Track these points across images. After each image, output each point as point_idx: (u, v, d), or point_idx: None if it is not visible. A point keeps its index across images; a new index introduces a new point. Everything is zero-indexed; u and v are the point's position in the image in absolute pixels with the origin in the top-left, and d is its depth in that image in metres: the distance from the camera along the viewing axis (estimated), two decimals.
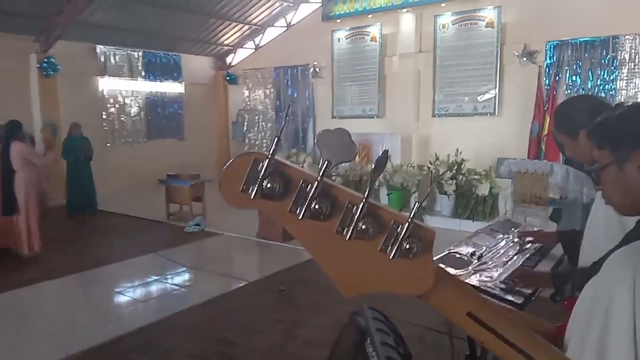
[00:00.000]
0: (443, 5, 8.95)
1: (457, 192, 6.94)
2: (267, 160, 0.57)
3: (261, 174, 0.57)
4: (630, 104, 1.14)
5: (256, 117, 12.07)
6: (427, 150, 9.10)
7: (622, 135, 1.07)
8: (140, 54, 10.77)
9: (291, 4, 11.00)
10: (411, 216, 0.56)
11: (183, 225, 7.35)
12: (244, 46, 12.19)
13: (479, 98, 8.76)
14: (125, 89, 10.66)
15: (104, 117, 10.35)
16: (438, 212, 7.32)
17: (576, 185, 4.78)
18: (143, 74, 10.84)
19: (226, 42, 12.01)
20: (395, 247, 0.56)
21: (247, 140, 12.23)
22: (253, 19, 11.28)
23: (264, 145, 11.87)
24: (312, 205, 0.57)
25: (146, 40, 10.56)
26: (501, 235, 2.23)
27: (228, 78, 12.35)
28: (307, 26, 10.84)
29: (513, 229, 2.33)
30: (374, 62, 9.89)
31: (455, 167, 7.07)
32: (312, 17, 10.76)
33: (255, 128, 12.13)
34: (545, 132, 8.03)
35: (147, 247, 6.33)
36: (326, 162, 0.57)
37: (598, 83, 7.79)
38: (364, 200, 0.57)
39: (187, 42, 11.42)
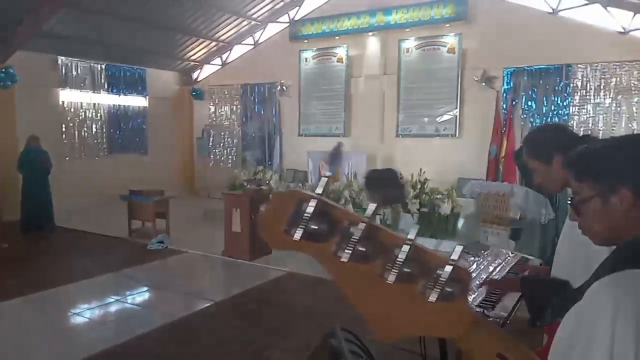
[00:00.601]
0: (407, 30, 9.27)
1: (420, 211, 7.10)
2: (315, 200, 0.54)
3: (307, 215, 0.54)
4: (610, 137, 1.17)
5: (222, 133, 12.00)
6: None
7: (607, 170, 1.08)
8: (104, 66, 10.55)
9: (259, 23, 11.09)
10: (455, 259, 0.55)
11: (146, 243, 7.17)
12: (210, 62, 12.16)
13: (437, 119, 9.07)
14: (87, 101, 10.39)
15: (64, 130, 10.03)
16: (402, 230, 7.44)
17: (535, 206, 5.01)
18: (106, 86, 10.61)
19: (192, 58, 11.95)
20: (438, 290, 0.54)
21: (212, 156, 12.13)
22: (220, 36, 11.29)
23: (229, 162, 11.80)
24: (358, 248, 0.55)
25: (110, 53, 10.37)
26: (472, 258, 2.32)
27: (194, 93, 12.25)
28: (275, 45, 10.96)
29: (483, 252, 2.43)
30: (340, 82, 10.08)
31: (419, 187, 7.25)
32: (280, 37, 10.89)
33: (221, 144, 12.05)
34: (503, 154, 8.37)
35: (107, 265, 6.13)
36: (376, 204, 0.55)
37: (552, 108, 8.23)
38: (410, 244, 0.55)
39: (153, 56, 11.28)
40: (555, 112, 8.21)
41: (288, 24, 10.69)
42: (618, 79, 7.70)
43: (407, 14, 9.14)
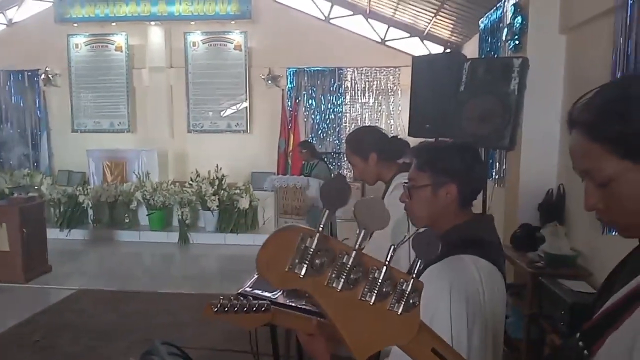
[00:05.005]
0: (192, 23, 9.07)
1: (220, 208, 7.11)
2: (318, 234, 0.55)
3: (311, 251, 0.55)
4: (451, 141, 1.41)
5: None
6: (184, 166, 9.04)
7: (445, 167, 1.29)
8: None
9: None
10: (414, 273, 0.60)
11: None
12: None
13: (227, 114, 9.20)
14: None
15: None
16: (202, 228, 7.35)
17: None
18: None
19: None
20: (403, 303, 0.59)
21: None
22: None
23: None
24: (351, 277, 0.57)
25: None
26: None
27: None
28: (36, 26, 9.34)
29: None
30: (121, 73, 9.28)
31: (217, 183, 7.24)
32: (42, 17, 9.34)
33: None
34: (291, 148, 9.00)
35: None
36: (363, 230, 0.57)
37: (329, 106, 9.19)
38: (386, 265, 0.59)
39: None
40: (331, 110, 9.20)
41: (52, 3, 9.24)
42: (378, 82, 9.05)
43: (191, 7, 8.92)
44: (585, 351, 0.78)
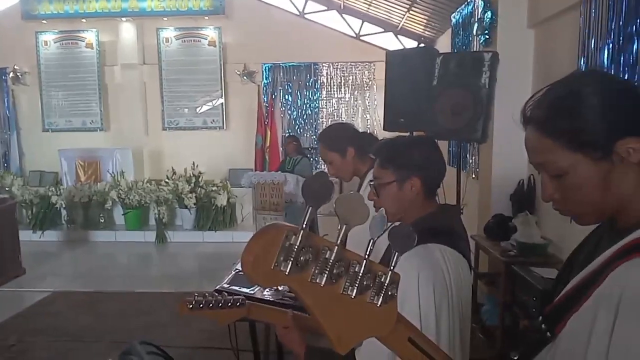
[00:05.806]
0: (165, 19, 8.95)
1: (197, 205, 7.07)
2: (302, 231, 0.55)
3: (296, 248, 0.55)
4: (408, 136, 1.46)
5: None
6: (160, 164, 8.93)
7: (406, 162, 1.34)
8: None
9: None
10: (392, 265, 0.61)
11: None
12: None
13: (203, 111, 9.11)
14: None
15: None
16: (180, 226, 7.29)
17: None
18: None
19: None
20: (382, 295, 0.60)
21: None
22: None
23: None
24: (334, 272, 0.57)
25: None
26: None
27: None
28: (3, 23, 9.03)
29: None
30: (92, 70, 9.09)
31: (194, 181, 7.18)
32: (9, 13, 9.04)
33: None
34: (268, 144, 8.97)
35: None
36: (344, 226, 0.57)
37: (305, 102, 9.18)
38: (365, 259, 0.59)
39: None
40: (308, 105, 9.19)
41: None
42: (354, 76, 9.08)
43: (163, 2, 8.78)
44: (548, 333, 0.83)
